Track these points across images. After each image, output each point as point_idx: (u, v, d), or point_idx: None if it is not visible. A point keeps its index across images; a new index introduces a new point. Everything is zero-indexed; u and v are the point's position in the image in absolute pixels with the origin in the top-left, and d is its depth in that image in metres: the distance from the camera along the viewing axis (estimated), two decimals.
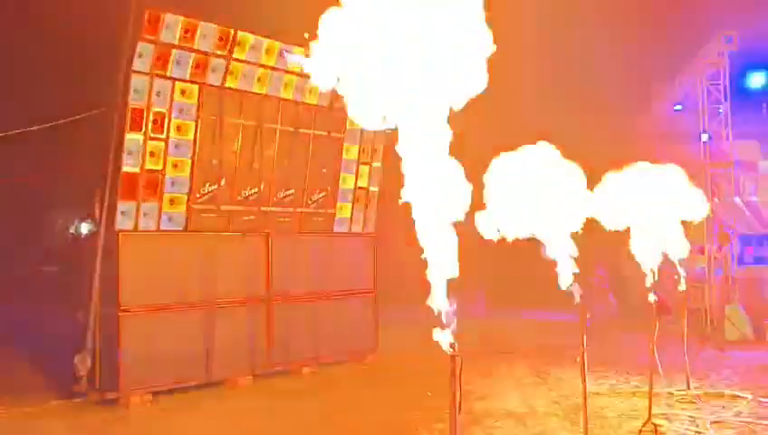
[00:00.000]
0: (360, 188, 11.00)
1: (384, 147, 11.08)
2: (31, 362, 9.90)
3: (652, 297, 7.65)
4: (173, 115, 8.53)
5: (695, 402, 7.86)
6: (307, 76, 10.11)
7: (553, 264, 5.35)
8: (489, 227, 4.78)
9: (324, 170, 10.55)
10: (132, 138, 8.23)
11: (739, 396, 8.14)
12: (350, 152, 10.82)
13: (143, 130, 8.28)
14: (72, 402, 8.10)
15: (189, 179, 8.80)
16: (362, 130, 10.79)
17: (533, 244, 5.27)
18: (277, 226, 9.93)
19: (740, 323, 12.24)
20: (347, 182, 10.85)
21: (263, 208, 9.70)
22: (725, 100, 13.54)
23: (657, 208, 7.28)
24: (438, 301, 3.68)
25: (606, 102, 20.02)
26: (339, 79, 3.58)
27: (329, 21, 3.57)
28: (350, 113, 3.66)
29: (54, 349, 9.16)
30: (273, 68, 9.42)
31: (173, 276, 8.69)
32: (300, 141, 10.08)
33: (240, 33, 8.93)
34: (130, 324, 8.18)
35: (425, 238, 3.62)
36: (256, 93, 9.35)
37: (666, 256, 8.05)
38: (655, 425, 6.73)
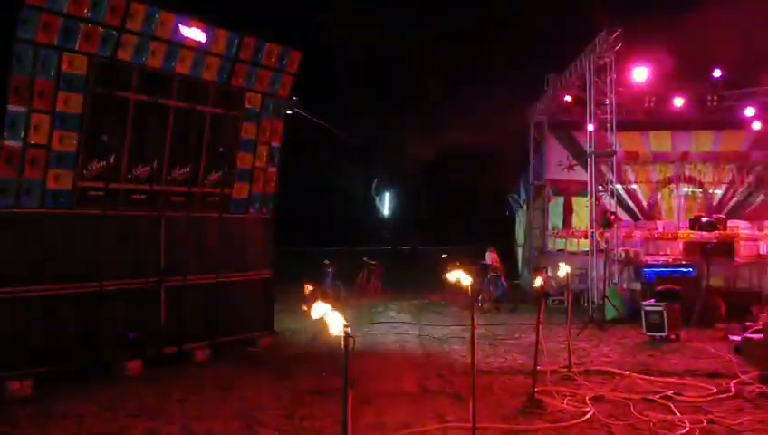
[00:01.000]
0: (258, 168, 10.81)
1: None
2: None
3: (538, 281, 8.01)
4: (60, 87, 8.05)
5: (576, 379, 8.32)
6: (205, 51, 9.89)
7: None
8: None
9: (221, 150, 10.29)
10: (15, 110, 7.71)
11: (616, 373, 8.71)
12: (249, 131, 10.60)
13: (27, 102, 7.77)
14: None
15: (76, 155, 8.34)
16: (261, 109, 10.63)
17: None
18: (170, 205, 9.61)
19: (619, 304, 13.07)
20: (245, 162, 10.63)
21: (155, 187, 9.35)
22: (611, 92, 14.28)
23: None
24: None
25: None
26: None
27: None
28: None
29: None
30: (168, 41, 9.06)
31: (57, 257, 8.26)
32: (196, 119, 9.77)
33: (133, 4, 8.51)
34: (7, 308, 7.71)
35: None
36: (150, 67, 8.95)
37: None
38: (538, 401, 7.11)
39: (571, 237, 18.10)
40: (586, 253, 14.86)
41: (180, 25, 9.14)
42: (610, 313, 12.83)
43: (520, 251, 21.61)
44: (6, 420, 6.70)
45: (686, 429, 6.37)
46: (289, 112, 11.40)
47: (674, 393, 7.61)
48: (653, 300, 11.53)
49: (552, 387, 7.78)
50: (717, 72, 19.20)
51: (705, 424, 6.54)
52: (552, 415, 6.86)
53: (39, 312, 8.06)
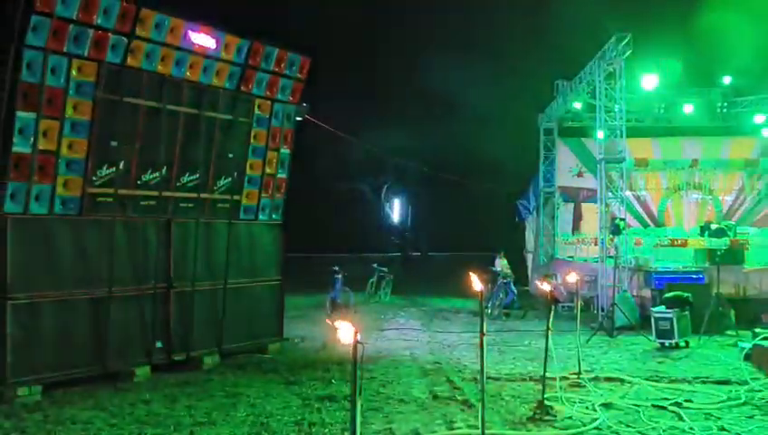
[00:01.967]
0: (268, 174, 10.83)
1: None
2: None
3: (547, 287, 7.98)
4: (69, 93, 8.10)
5: (585, 386, 8.27)
6: (214, 58, 9.93)
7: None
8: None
9: (231, 156, 10.31)
10: (24, 116, 7.76)
11: (626, 379, 8.66)
12: (259, 138, 10.63)
13: (36, 108, 7.83)
14: None
15: (85, 162, 8.38)
16: (271, 116, 10.65)
17: None
18: (180, 212, 9.64)
19: (628, 311, 12.98)
20: (255, 168, 10.65)
21: (164, 194, 9.38)
22: (620, 99, 14.24)
23: None
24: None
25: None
26: None
27: None
28: None
29: None
30: (178, 48, 9.11)
31: (66, 263, 8.29)
32: (205, 125, 9.80)
33: (143, 11, 8.56)
34: (18, 313, 7.75)
35: None
36: (159, 73, 8.99)
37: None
38: (547, 407, 7.07)
39: (580, 244, 18.04)
40: (595, 260, 14.80)
41: (190, 32, 9.18)
42: (620, 320, 12.75)
43: (530, 257, 21.56)
44: (15, 425, 6.72)
45: None
46: (299, 119, 11.43)
47: (684, 400, 7.56)
48: (663, 307, 11.45)
49: (562, 394, 7.73)
50: (727, 79, 19.14)
51: (715, 431, 6.50)
52: (561, 422, 6.82)
53: (48, 318, 8.07)
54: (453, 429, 6.61)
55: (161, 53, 8.92)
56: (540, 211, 20.45)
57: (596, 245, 15.07)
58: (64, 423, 6.80)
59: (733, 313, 12.62)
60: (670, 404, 7.40)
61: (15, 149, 7.74)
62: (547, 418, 6.90)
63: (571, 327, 10.29)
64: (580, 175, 20.12)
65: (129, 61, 8.59)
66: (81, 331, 8.40)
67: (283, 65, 10.57)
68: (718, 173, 20.16)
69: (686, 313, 11.30)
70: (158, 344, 9.13)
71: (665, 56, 16.79)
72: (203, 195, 9.92)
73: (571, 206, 20.33)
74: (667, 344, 11.01)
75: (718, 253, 13.77)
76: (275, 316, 11.03)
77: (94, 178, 8.52)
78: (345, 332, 3.79)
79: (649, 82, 16.22)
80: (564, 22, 21.98)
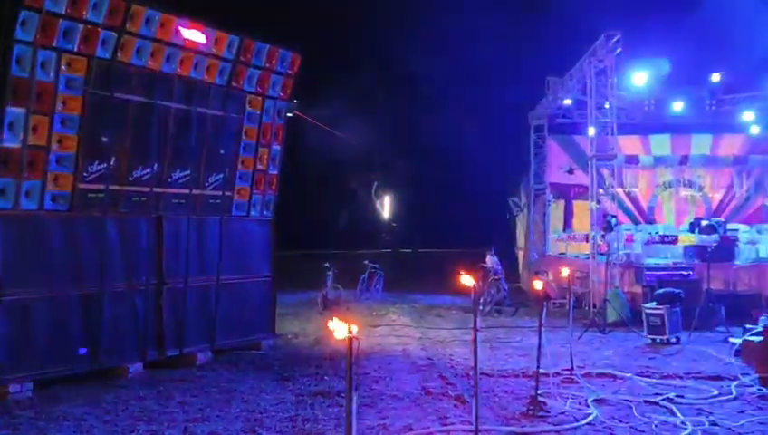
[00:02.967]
0: (259, 170, 10.79)
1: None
2: None
3: (538, 284, 8.00)
4: (59, 88, 8.03)
5: (578, 382, 8.30)
6: (205, 53, 9.89)
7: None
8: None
9: (222, 152, 10.27)
10: (14, 111, 7.69)
11: (618, 375, 8.70)
12: (250, 134, 10.59)
13: (26, 103, 7.75)
14: None
15: (76, 157, 8.31)
16: (262, 112, 10.62)
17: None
18: (171, 208, 9.59)
19: (620, 307, 13.05)
20: (246, 164, 10.62)
21: (155, 190, 9.32)
22: (611, 96, 14.29)
23: None
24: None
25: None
26: None
27: None
28: None
29: None
30: (168, 43, 9.05)
31: (57, 260, 8.23)
32: (197, 121, 9.76)
33: (134, 6, 8.50)
34: (8, 310, 7.68)
35: None
36: (150, 69, 8.93)
37: None
38: (541, 403, 7.09)
39: (571, 241, 18.11)
40: (587, 256, 14.85)
41: (181, 27, 9.13)
42: (612, 316, 12.81)
43: (521, 254, 21.60)
44: (7, 422, 6.67)
45: (688, 430, 6.38)
46: (290, 115, 11.40)
47: (675, 395, 7.61)
48: (654, 303, 11.52)
49: (555, 389, 7.75)
50: (716, 77, 19.24)
51: (706, 426, 6.55)
52: (554, 417, 6.84)
53: (39, 314, 8.01)
54: (447, 424, 6.61)
55: (152, 48, 8.85)
56: (531, 208, 20.49)
57: (587, 241, 15.12)
58: (57, 420, 6.75)
59: (723, 309, 12.69)
60: (662, 399, 7.45)
61: (5, 144, 7.66)
62: (540, 413, 6.92)
63: (562, 323, 10.32)
64: (570, 172, 20.14)
65: (120, 56, 8.52)
66: (73, 327, 8.34)
67: (274, 61, 10.54)
68: (708, 170, 20.28)
69: (677, 309, 11.37)
70: (82, 351, 8.44)
71: (654, 53, 16.84)
72: (194, 191, 9.87)
73: (562, 203, 20.37)
74: (658, 340, 11.09)
75: (708, 249, 13.85)
76: (268, 313, 11.02)
77: (85, 174, 8.45)
78: (339, 327, 3.77)
79: (639, 79, 16.26)
80: (555, 18, 22.05)
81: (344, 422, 4.43)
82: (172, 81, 9.28)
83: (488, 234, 20.52)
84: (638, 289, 13.75)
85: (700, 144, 20.18)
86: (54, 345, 8.11)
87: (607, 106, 14.41)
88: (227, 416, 6.96)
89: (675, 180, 20.30)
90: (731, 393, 7.71)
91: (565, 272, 10.13)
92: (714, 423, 6.63)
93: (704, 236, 14.73)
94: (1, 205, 7.69)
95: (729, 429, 6.47)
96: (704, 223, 15.59)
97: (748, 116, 19.08)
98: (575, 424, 6.60)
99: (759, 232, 16.11)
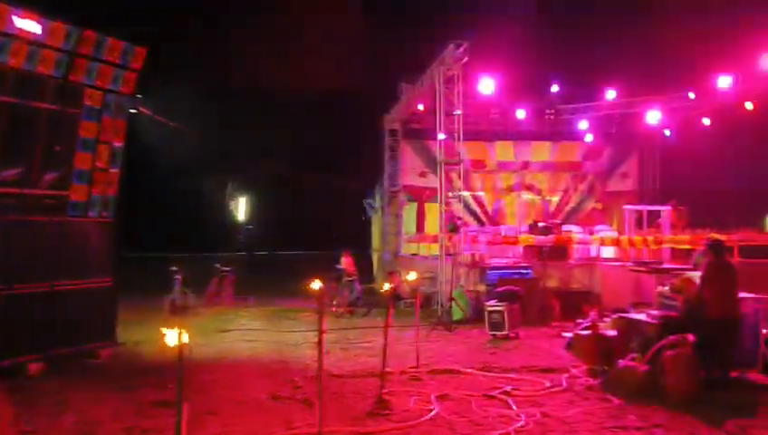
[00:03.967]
0: (98, 169, 10.14)
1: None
2: None
3: (387, 285, 8.16)
4: None
5: (423, 379, 8.56)
6: (40, 44, 9.17)
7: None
8: None
9: (58, 149, 9.56)
10: None
11: (461, 371, 9.07)
12: (89, 130, 9.92)
13: None
14: None
15: None
16: (103, 107, 10.00)
17: None
18: (0, 208, 8.78)
19: (465, 305, 13.64)
20: (84, 162, 9.93)
21: None
22: (458, 103, 14.88)
23: None
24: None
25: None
26: None
27: None
28: None
29: None
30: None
31: None
32: (30, 115, 9.02)
33: None
34: None
35: None
36: None
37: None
38: (386, 402, 7.23)
39: (423, 242, 18.67)
40: (436, 257, 15.38)
41: (14, 16, 8.42)
42: (457, 314, 13.35)
43: (375, 256, 21.99)
44: None
45: (522, 422, 6.75)
46: (133, 111, 10.83)
47: (512, 389, 8.05)
48: (495, 300, 12.13)
49: (400, 388, 7.95)
50: (555, 88, 20.72)
51: (539, 417, 6.96)
52: (398, 415, 7.00)
53: None
54: (292, 428, 6.56)
55: None
56: (385, 210, 20.92)
57: (437, 242, 15.66)
58: None
59: (557, 305, 13.64)
60: (500, 393, 7.85)
61: None
62: (385, 412, 7.05)
63: (412, 322, 10.60)
64: (423, 175, 20.83)
65: None
66: None
67: (116, 54, 9.96)
68: (546, 175, 21.78)
69: (516, 305, 12.06)
70: None
71: (499, 63, 17.76)
72: (26, 190, 9.12)
73: (415, 205, 21.00)
74: (498, 336, 11.69)
75: (545, 249, 14.83)
76: (107, 319, 10.35)
77: None
78: (171, 335, 3.63)
79: (486, 87, 17.06)
80: (410, 23, 22.69)
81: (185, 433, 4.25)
82: (3, 73, 8.54)
83: (344, 235, 20.70)
84: (481, 288, 14.42)
85: (540, 151, 21.65)
86: None
87: (455, 113, 14.98)
88: (59, 428, 6.49)
89: (517, 185, 21.61)
90: (562, 385, 8.26)
91: (412, 275, 10.42)
92: (545, 414, 7.06)
93: (541, 237, 15.73)
94: None
95: (560, 419, 6.92)
96: (541, 225, 16.64)
97: (582, 125, 20.74)
98: (417, 421, 6.79)
99: (591, 233, 17.45)
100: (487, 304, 12.23)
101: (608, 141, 21.79)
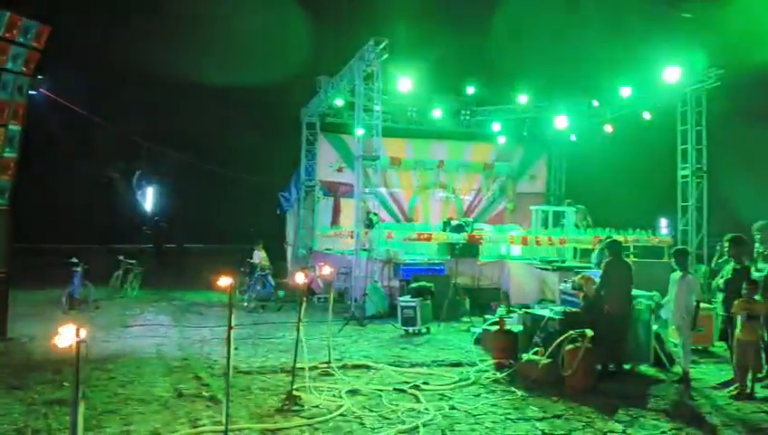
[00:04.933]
0: None
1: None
2: None
3: (300, 278, 8.06)
4: None
5: (334, 374, 8.51)
6: None
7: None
8: None
9: None
10: None
11: (372, 366, 9.08)
12: None
13: None
14: None
15: None
16: None
17: None
18: None
19: (378, 300, 13.68)
20: None
21: None
22: (377, 100, 14.92)
23: None
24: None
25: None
26: None
27: None
28: None
29: None
30: None
31: None
32: None
33: None
34: None
35: None
36: None
37: None
38: (296, 398, 7.14)
39: (338, 237, 18.62)
40: (352, 252, 15.36)
41: None
42: (371, 309, 13.38)
43: (290, 250, 21.76)
44: None
45: (430, 415, 6.83)
46: (33, 92, 10.22)
47: (422, 383, 8.14)
48: (408, 296, 12.25)
49: (311, 383, 7.87)
50: (470, 89, 21.12)
51: (446, 410, 7.07)
52: (308, 411, 6.93)
53: None
54: (197, 426, 6.36)
55: None
56: (301, 204, 20.73)
57: (352, 238, 15.65)
58: None
59: (468, 301, 13.92)
60: (409, 387, 7.92)
61: None
62: (295, 408, 6.96)
63: (325, 318, 10.53)
64: (339, 170, 20.78)
65: None
66: None
67: (15, 32, 9.41)
68: (461, 174, 22.20)
69: (429, 301, 12.21)
70: None
71: (418, 63, 17.94)
72: None
73: (330, 200, 20.91)
74: (410, 331, 11.80)
75: (457, 247, 15.09)
76: None
77: None
78: (65, 331, 3.42)
79: (404, 85, 17.18)
80: (329, 18, 22.54)
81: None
82: None
83: (258, 229, 20.34)
84: (395, 283, 14.54)
85: (455, 150, 22.05)
86: None
87: (374, 109, 15.00)
88: None
89: (432, 182, 21.92)
90: (469, 379, 8.43)
91: (327, 270, 10.36)
92: (453, 407, 7.19)
93: (454, 235, 16.00)
94: None
95: (466, 411, 7.06)
96: (454, 222, 16.92)
97: (496, 127, 21.26)
98: (327, 416, 6.74)
99: (500, 232, 17.91)
100: (400, 299, 12.32)
101: (519, 143, 22.45)
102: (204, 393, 7.51)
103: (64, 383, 7.63)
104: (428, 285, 12.69)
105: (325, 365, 8.88)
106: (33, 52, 9.74)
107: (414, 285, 12.78)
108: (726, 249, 8.80)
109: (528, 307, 10.63)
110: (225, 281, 5.79)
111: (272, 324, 12.51)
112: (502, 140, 21.86)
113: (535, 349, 8.73)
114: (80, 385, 3.55)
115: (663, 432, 6.57)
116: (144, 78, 22.51)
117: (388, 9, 20.62)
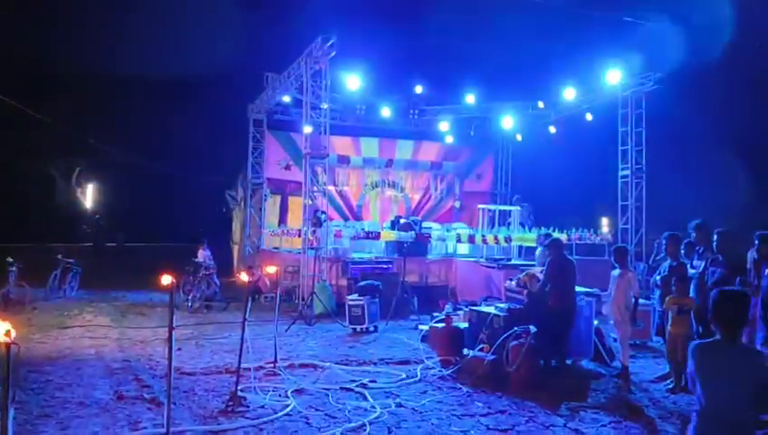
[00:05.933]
0: None
1: None
2: None
3: (245, 277, 7.97)
4: None
5: (281, 374, 8.42)
6: None
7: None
8: None
9: None
10: None
11: (319, 365, 9.03)
12: None
13: None
14: None
15: None
16: None
17: None
18: None
19: (326, 299, 13.62)
20: None
21: None
22: (325, 97, 14.83)
23: None
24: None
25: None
26: None
27: None
28: None
29: None
30: None
31: None
32: None
33: None
34: None
35: None
36: None
37: None
38: (241, 399, 7.04)
39: (286, 236, 18.46)
40: (299, 251, 15.24)
41: None
42: (318, 308, 13.31)
43: (236, 249, 21.45)
44: None
45: (377, 413, 6.83)
46: None
47: (369, 381, 8.14)
48: (356, 295, 12.23)
49: (257, 383, 7.77)
50: (419, 88, 21.20)
51: (393, 408, 7.09)
52: (253, 411, 6.84)
53: None
54: (137, 429, 6.20)
55: None
56: (247, 202, 20.45)
57: (300, 236, 15.53)
58: None
59: (416, 299, 13.99)
60: (356, 386, 7.91)
61: None
62: (240, 409, 6.86)
63: (272, 317, 10.42)
64: (287, 168, 20.59)
65: None
66: None
67: None
68: (409, 173, 22.29)
69: (377, 299, 12.22)
70: None
71: (367, 61, 17.93)
72: None
73: (278, 198, 20.68)
74: (358, 329, 11.79)
75: (405, 245, 15.16)
76: None
77: None
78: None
79: (353, 83, 17.13)
80: (278, 14, 22.33)
81: None
82: None
83: (203, 227, 19.99)
84: (343, 282, 14.50)
85: (403, 149, 22.11)
86: None
87: (323, 107, 14.90)
88: None
89: (381, 181, 21.94)
90: (416, 376, 8.48)
91: (273, 268, 10.25)
92: (399, 405, 7.22)
93: (402, 233, 16.05)
94: None
95: (413, 409, 7.09)
96: (402, 221, 16.98)
97: (444, 126, 21.41)
98: (273, 416, 6.66)
99: (448, 230, 18.05)
100: (348, 298, 12.29)
101: (467, 143, 22.68)
102: (145, 395, 7.33)
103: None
104: (376, 283, 12.71)
105: (271, 365, 8.78)
106: None
107: (362, 283, 12.77)
108: (664, 247, 9.08)
109: (475, 304, 10.74)
110: (166, 279, 5.67)
111: (217, 324, 12.30)
112: (449, 139, 22.03)
113: (481, 345, 8.83)
114: (10, 388, 3.40)
115: (602, 425, 6.73)
116: (86, 74, 21.88)
117: (337, 6, 20.57)
